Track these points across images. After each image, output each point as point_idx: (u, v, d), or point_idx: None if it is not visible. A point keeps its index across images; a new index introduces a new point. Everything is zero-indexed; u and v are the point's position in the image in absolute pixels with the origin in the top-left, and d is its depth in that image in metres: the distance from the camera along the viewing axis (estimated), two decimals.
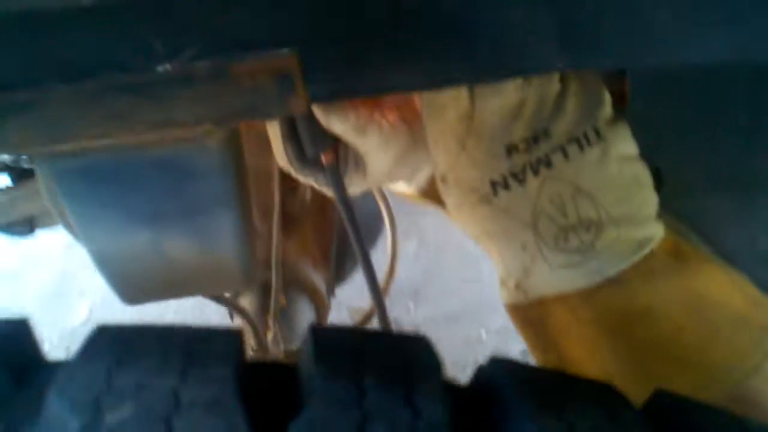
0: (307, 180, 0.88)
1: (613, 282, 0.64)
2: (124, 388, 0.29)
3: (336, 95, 0.57)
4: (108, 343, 0.34)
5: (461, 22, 0.52)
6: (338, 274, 1.73)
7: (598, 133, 0.65)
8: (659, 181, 0.68)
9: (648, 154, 0.70)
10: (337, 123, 0.80)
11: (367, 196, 1.24)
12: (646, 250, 0.64)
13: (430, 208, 0.88)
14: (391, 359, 0.34)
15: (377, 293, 0.84)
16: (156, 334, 0.34)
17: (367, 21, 0.52)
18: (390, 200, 1.36)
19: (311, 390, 0.31)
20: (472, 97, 0.66)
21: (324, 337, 0.36)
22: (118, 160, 0.58)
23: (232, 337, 0.34)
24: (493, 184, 0.66)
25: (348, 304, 2.24)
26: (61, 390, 0.30)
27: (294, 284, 1.46)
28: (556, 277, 0.64)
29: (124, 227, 0.62)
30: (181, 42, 0.52)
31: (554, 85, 0.67)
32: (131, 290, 0.68)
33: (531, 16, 0.52)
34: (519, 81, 0.65)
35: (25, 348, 0.37)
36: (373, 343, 0.36)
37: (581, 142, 0.65)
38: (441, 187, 0.69)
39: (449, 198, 0.68)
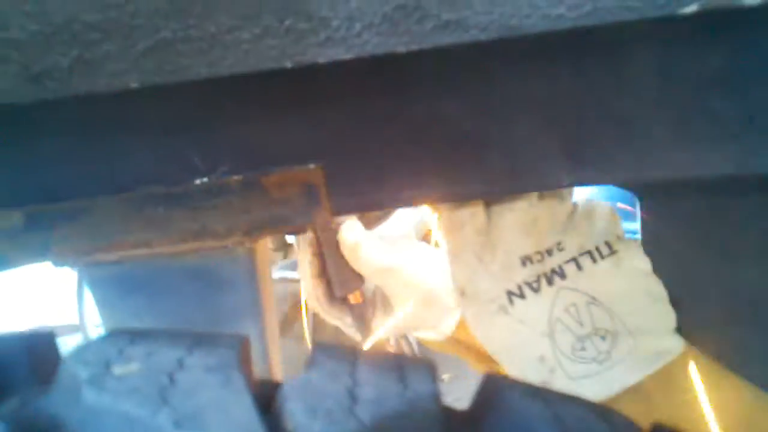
0: (334, 321, 0.91)
1: (633, 392, 0.64)
2: (133, 354, 0.31)
3: (358, 208, 0.60)
4: (123, 332, 0.36)
5: (473, 142, 0.57)
6: None
7: (610, 247, 0.67)
8: (678, 312, 0.69)
9: (666, 285, 0.72)
10: (365, 264, 0.84)
11: None
12: (664, 362, 0.65)
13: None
14: (387, 361, 0.35)
15: None
16: (168, 332, 0.36)
17: (386, 139, 0.57)
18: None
19: (308, 362, 0.32)
20: (488, 214, 0.70)
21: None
22: (153, 270, 0.62)
23: (239, 336, 0.36)
24: (510, 294, 0.68)
25: None
26: (76, 354, 0.32)
27: None
28: (575, 388, 0.64)
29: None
30: (217, 158, 0.57)
31: (567, 203, 0.70)
32: None
33: (537, 135, 0.56)
34: (533, 199, 0.68)
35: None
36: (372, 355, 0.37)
37: (593, 254, 0.67)
38: (460, 301, 0.71)
39: (468, 311, 0.70)
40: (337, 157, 0.58)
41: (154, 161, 0.57)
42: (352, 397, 0.29)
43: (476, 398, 0.35)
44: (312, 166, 0.57)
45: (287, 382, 0.31)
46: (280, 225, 0.59)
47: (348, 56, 0.41)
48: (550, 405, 0.33)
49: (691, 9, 0.40)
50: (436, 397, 0.31)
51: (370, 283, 0.90)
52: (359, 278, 0.86)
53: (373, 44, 0.40)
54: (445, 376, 2.72)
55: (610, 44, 0.53)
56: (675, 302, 0.69)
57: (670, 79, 0.54)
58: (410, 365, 0.33)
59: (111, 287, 0.62)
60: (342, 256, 0.83)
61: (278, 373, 0.72)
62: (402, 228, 1.00)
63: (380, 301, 0.91)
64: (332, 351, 0.34)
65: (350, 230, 0.83)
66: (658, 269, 0.70)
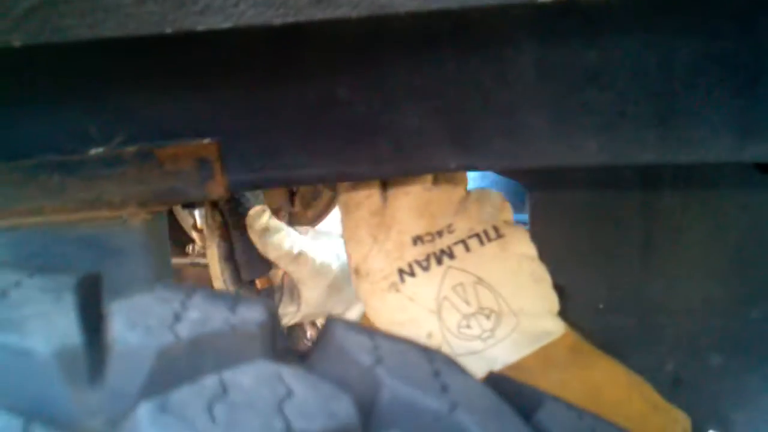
0: None
1: (514, 369, 0.66)
2: None
3: (253, 185, 0.62)
4: None
5: (364, 124, 0.59)
6: None
7: (497, 231, 0.71)
8: (561, 298, 0.73)
9: (551, 273, 0.75)
10: (273, 249, 0.86)
11: None
12: (545, 342, 0.68)
13: None
14: (225, 295, 0.37)
15: None
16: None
17: (282, 118, 0.59)
18: None
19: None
20: (384, 196, 0.72)
21: None
22: (47, 237, 0.62)
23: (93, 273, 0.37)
24: (401, 272, 0.70)
25: None
26: None
27: None
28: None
29: None
30: (114, 129, 0.58)
31: (459, 189, 0.73)
32: None
33: (424, 121, 0.59)
34: (427, 183, 0.71)
35: None
36: None
37: (481, 237, 0.70)
38: (354, 280, 0.73)
39: (361, 288, 0.72)
40: (233, 133, 0.59)
41: (50, 129, 0.58)
42: (177, 317, 0.31)
43: (315, 339, 0.37)
44: (207, 140, 0.59)
45: (116, 302, 0.32)
46: (174, 197, 0.61)
47: (226, 25, 0.43)
48: (373, 338, 0.35)
49: None
50: (262, 325, 0.32)
51: (279, 268, 0.92)
52: (267, 263, 0.87)
53: (250, 15, 0.42)
54: None
55: (492, 38, 0.56)
56: (558, 288, 0.72)
57: (547, 72, 0.57)
58: (246, 300, 0.35)
59: (2, 253, 0.62)
60: (250, 241, 0.85)
61: None
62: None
63: (288, 287, 0.93)
64: (175, 287, 0.36)
65: (259, 215, 0.84)
66: (544, 256, 0.73)
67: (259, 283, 0.90)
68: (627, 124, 0.59)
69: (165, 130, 0.58)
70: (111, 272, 0.64)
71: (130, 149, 0.58)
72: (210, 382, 0.28)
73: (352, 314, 0.97)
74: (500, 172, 0.75)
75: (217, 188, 0.60)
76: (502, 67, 0.57)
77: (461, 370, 0.36)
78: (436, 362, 0.35)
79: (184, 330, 0.30)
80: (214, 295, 0.35)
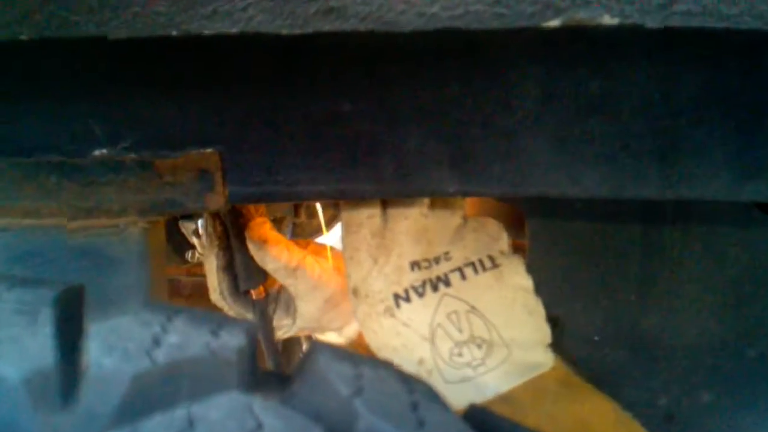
0: (236, 316, 0.91)
1: (504, 400, 0.66)
2: None
3: (254, 199, 0.62)
4: None
5: (367, 142, 0.59)
6: None
7: (492, 261, 0.71)
8: (556, 329, 0.73)
9: (548, 303, 0.75)
10: (271, 261, 0.86)
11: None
12: (536, 374, 0.67)
13: None
14: (208, 317, 0.36)
15: None
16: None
17: (285, 132, 0.59)
18: None
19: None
20: (385, 217, 0.72)
21: None
22: (41, 241, 0.62)
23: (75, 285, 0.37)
24: (396, 297, 0.70)
25: None
26: None
27: None
28: (449, 393, 0.66)
29: None
30: (119, 133, 0.58)
31: (456, 216, 0.73)
32: None
33: (426, 143, 0.59)
34: (424, 208, 0.71)
35: None
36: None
37: (476, 266, 0.70)
38: (352, 300, 0.73)
39: (359, 309, 0.72)
40: (235, 145, 0.59)
41: (53, 128, 0.58)
42: (156, 341, 0.31)
43: (297, 363, 0.37)
44: (209, 150, 0.59)
45: (95, 325, 0.32)
46: (173, 208, 0.61)
47: (233, 30, 0.43)
48: (356, 366, 0.34)
49: (555, 23, 0.44)
50: (241, 350, 0.32)
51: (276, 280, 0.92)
52: (263, 274, 0.87)
53: (258, 21, 0.43)
54: None
55: (496, 62, 0.56)
56: (553, 319, 0.72)
57: (551, 99, 0.57)
58: (230, 323, 0.35)
59: None
60: (248, 253, 0.85)
61: None
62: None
63: (284, 299, 0.92)
64: (159, 307, 0.35)
65: (258, 227, 0.84)
66: (541, 285, 0.73)
67: (254, 294, 0.90)
68: (629, 158, 0.59)
69: (169, 135, 0.58)
70: (104, 282, 0.63)
71: (132, 156, 0.58)
72: (179, 414, 0.27)
73: (349, 331, 0.97)
74: (499, 198, 0.75)
75: (217, 200, 0.60)
76: (506, 91, 0.57)
77: (440, 403, 0.36)
78: (416, 394, 0.35)
79: (162, 355, 0.30)
80: (198, 317, 0.35)
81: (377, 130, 0.59)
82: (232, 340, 0.32)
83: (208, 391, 0.29)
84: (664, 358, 0.81)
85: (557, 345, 0.73)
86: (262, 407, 0.29)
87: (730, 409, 0.81)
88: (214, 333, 0.32)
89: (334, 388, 0.32)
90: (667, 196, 0.59)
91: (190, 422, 0.27)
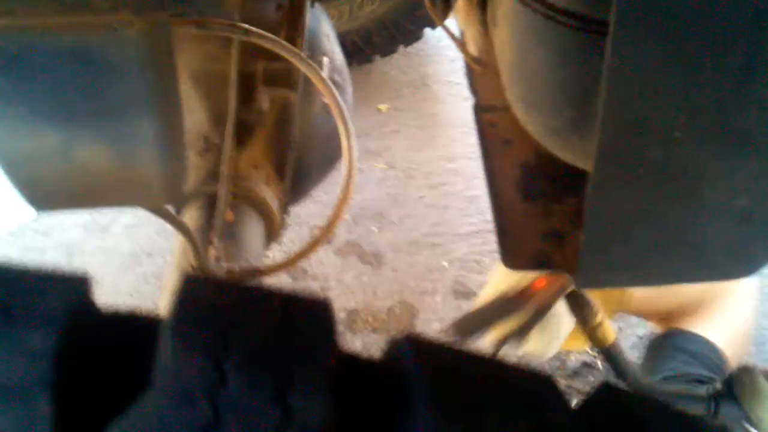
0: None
1: None
2: None
3: None
4: None
5: None
6: (294, 192, 1.65)
7: None
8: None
9: (627, 98, 0.64)
10: None
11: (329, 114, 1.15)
12: None
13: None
14: (268, 333, 0.27)
15: None
16: None
17: None
18: (351, 118, 1.29)
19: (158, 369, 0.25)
20: None
21: (191, 296, 0.29)
22: (21, 46, 0.49)
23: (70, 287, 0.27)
24: None
25: (310, 222, 2.17)
26: None
27: (244, 199, 1.38)
28: None
29: (30, 125, 0.54)
30: None
31: None
32: (39, 195, 0.60)
33: None
34: None
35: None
36: (251, 306, 0.28)
37: None
38: None
39: None
40: None
41: None
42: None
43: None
44: None
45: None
46: (177, 3, 0.47)
47: None
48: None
49: None
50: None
51: None
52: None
53: None
54: (382, 107, 2.66)
55: None
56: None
57: None
58: (298, 371, 0.24)
59: None
60: None
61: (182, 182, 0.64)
62: None
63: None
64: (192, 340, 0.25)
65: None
66: (621, 76, 0.62)
67: None
68: None
69: None
70: (101, 91, 0.52)
71: None
72: None
73: None
74: None
75: None
76: None
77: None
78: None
79: None
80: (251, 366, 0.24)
81: None
82: (309, 416, 0.22)
83: None
84: (752, 157, 0.72)
85: None
86: None
87: None
88: (282, 400, 0.23)
89: None
90: None
91: None
